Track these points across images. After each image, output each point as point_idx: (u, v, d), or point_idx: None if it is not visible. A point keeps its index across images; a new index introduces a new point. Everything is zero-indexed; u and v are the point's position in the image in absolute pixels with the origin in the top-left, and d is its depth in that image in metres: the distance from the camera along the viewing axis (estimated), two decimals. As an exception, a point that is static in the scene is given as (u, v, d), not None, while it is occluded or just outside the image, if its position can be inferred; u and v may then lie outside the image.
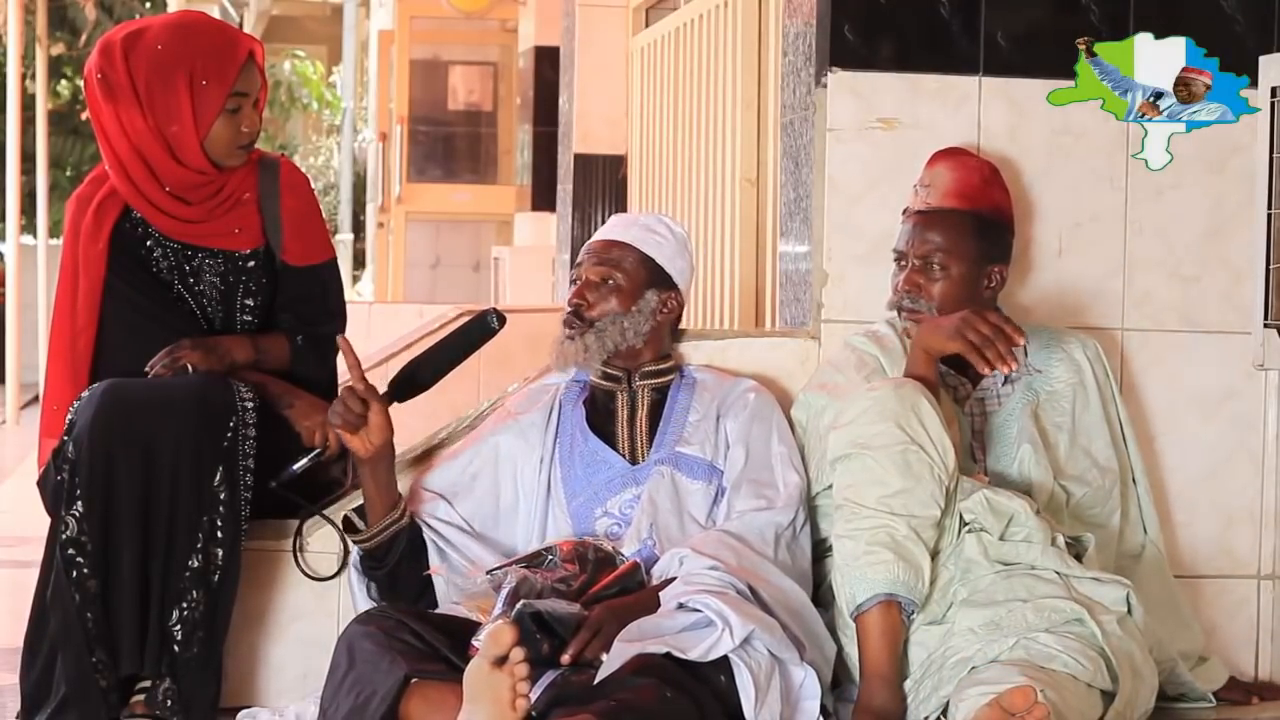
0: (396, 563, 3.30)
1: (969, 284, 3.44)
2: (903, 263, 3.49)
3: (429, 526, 3.33)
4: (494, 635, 2.75)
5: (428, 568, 3.29)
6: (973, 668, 3.05)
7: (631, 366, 3.45)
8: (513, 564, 3.12)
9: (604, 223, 3.59)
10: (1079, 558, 3.29)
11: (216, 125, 3.40)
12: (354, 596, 3.37)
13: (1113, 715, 3.06)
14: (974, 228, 3.46)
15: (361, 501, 3.35)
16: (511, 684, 2.70)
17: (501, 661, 2.72)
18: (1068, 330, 3.61)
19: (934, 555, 3.16)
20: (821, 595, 3.33)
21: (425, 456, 3.57)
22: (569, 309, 3.43)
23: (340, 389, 3.31)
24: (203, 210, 3.46)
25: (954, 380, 3.44)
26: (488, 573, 3.13)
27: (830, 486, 3.25)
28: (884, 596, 3.10)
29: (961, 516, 3.21)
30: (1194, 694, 3.47)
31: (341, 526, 3.37)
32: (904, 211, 3.54)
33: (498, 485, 3.41)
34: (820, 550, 3.37)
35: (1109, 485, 3.50)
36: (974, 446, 3.44)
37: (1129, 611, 3.19)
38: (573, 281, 3.50)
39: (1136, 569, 3.52)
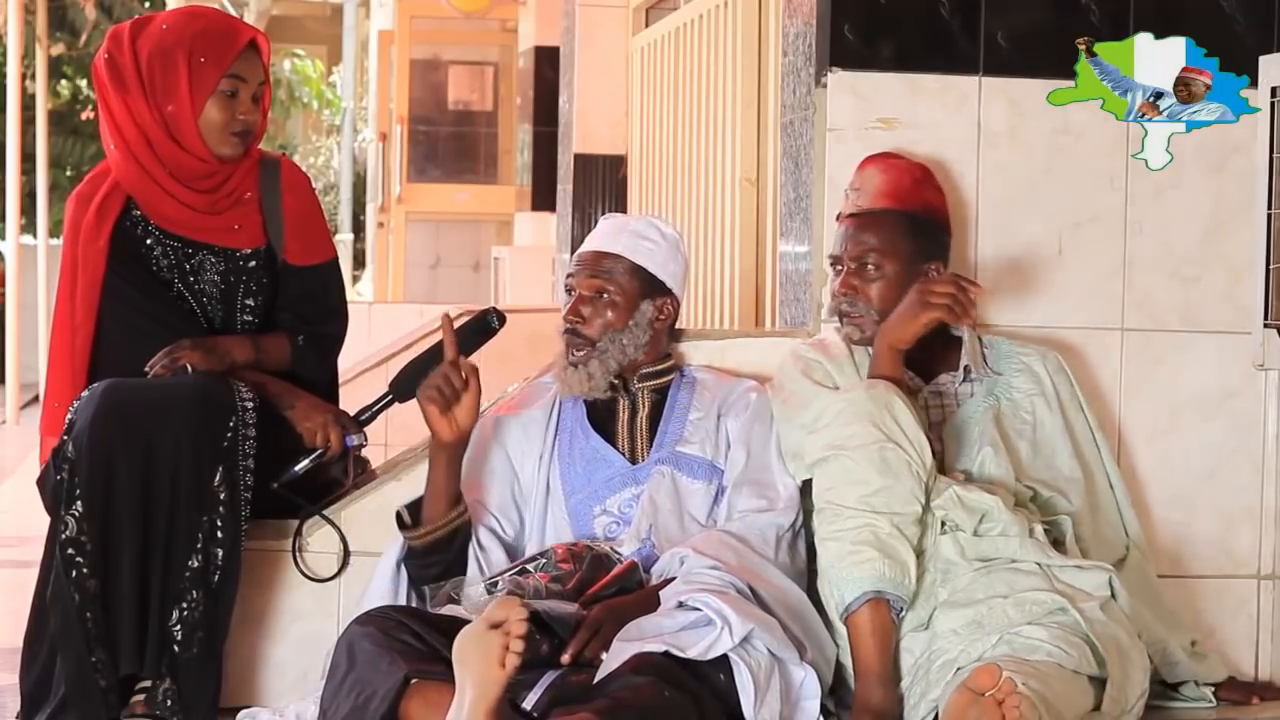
0: (452, 561, 3.24)
1: (905, 283, 3.41)
2: (838, 267, 3.49)
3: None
4: (502, 601, 2.70)
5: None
6: (958, 669, 3.04)
7: (630, 372, 3.45)
8: (506, 573, 3.11)
9: (604, 223, 3.57)
10: (1057, 544, 3.28)
11: (210, 106, 3.40)
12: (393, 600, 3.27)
13: (1108, 701, 3.05)
14: (907, 227, 3.46)
15: (409, 501, 3.29)
16: (504, 642, 2.64)
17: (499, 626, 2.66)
18: (1027, 344, 3.59)
19: (918, 554, 3.16)
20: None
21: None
22: (566, 327, 3.41)
23: (441, 365, 3.23)
24: (205, 201, 3.46)
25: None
26: (485, 582, 3.13)
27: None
28: (872, 594, 3.10)
29: (940, 516, 3.20)
30: (1190, 677, 3.46)
31: (396, 523, 3.29)
32: (837, 217, 3.54)
33: (513, 479, 3.40)
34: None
35: (1072, 494, 3.48)
36: (929, 439, 3.41)
37: (1112, 596, 3.18)
38: (567, 291, 3.48)
39: (1120, 574, 3.50)
